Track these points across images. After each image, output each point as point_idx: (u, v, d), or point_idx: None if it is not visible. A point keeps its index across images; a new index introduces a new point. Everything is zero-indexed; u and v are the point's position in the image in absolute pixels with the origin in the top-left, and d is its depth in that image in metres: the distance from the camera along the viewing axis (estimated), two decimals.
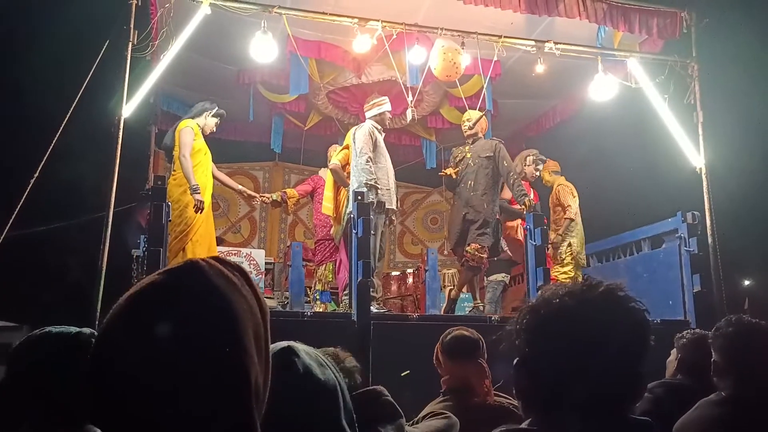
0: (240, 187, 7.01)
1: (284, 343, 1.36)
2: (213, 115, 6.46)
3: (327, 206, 6.73)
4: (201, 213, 5.90)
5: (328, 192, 6.77)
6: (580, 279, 7.13)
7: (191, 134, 6.14)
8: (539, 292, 1.34)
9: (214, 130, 6.55)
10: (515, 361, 1.32)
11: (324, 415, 1.30)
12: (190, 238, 5.99)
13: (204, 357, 0.86)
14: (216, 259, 0.96)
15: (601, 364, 1.20)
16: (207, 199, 6.11)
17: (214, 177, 6.52)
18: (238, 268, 0.96)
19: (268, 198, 7.33)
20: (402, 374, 3.41)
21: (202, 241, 6.06)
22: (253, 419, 0.89)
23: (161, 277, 0.91)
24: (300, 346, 1.36)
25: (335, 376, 1.35)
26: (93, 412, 0.88)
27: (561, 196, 7.44)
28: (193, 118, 6.39)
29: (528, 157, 7.31)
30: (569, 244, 7.28)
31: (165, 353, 0.85)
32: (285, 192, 7.36)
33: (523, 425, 1.30)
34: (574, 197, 7.47)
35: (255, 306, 0.95)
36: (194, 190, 5.88)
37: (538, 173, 7.30)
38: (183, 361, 0.85)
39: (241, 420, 0.88)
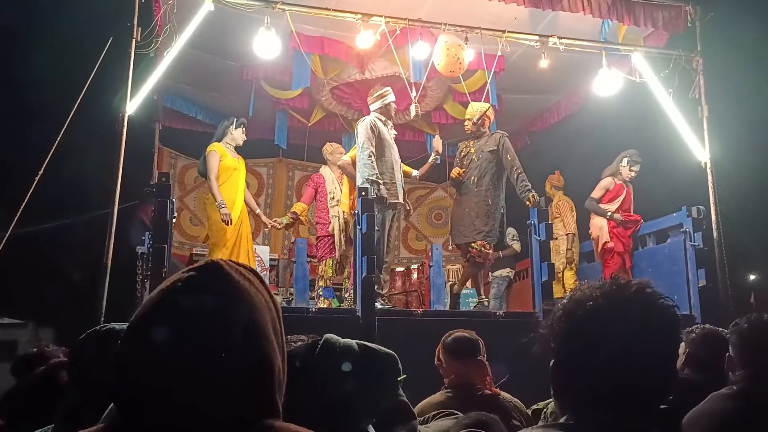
0: (258, 210, 7.33)
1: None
2: (236, 128, 6.77)
3: (344, 203, 6.88)
4: (230, 225, 6.32)
5: (345, 189, 6.89)
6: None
7: (216, 156, 6.51)
8: (570, 293, 1.37)
9: (245, 137, 6.89)
10: (551, 362, 1.35)
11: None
12: (221, 249, 6.30)
13: (231, 346, 0.94)
14: (231, 261, 1.06)
15: (635, 364, 1.24)
16: (236, 212, 6.47)
17: None
18: (250, 269, 1.06)
19: (280, 222, 7.43)
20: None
21: (225, 252, 6.32)
22: (277, 404, 0.99)
23: (186, 274, 1.00)
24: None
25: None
26: (125, 399, 0.96)
27: (562, 211, 8.06)
28: (218, 140, 6.71)
29: (624, 159, 7.42)
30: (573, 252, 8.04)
31: (193, 343, 0.93)
32: (295, 212, 7.36)
33: (561, 420, 1.34)
34: (573, 212, 8.11)
35: (270, 302, 1.05)
36: (220, 206, 6.32)
37: (633, 173, 7.41)
38: (210, 350, 0.93)
39: (267, 404, 0.97)
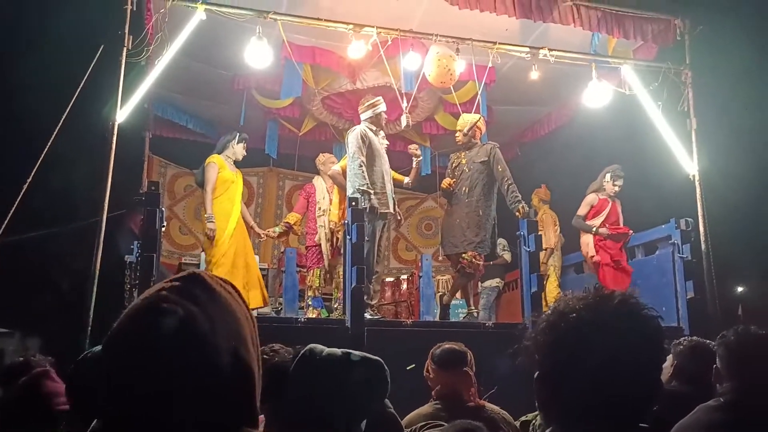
0: (252, 223, 7.33)
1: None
2: (238, 142, 6.80)
3: (333, 212, 6.82)
4: (213, 240, 6.33)
5: (335, 199, 6.84)
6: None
7: (215, 169, 6.55)
8: (553, 305, 1.35)
9: (245, 153, 6.92)
10: (535, 374, 1.33)
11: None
12: (218, 267, 6.30)
13: (217, 353, 0.95)
14: (211, 274, 1.07)
15: (620, 375, 1.23)
16: (232, 224, 6.49)
17: None
18: (229, 283, 1.07)
19: (273, 233, 7.43)
20: (408, 368, 3.49)
21: (227, 262, 6.34)
22: (256, 414, 1.00)
23: (170, 283, 1.00)
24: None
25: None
26: (112, 408, 0.94)
27: (545, 225, 8.18)
28: (219, 153, 6.74)
29: (607, 174, 7.45)
30: (554, 267, 8.25)
31: (180, 350, 0.92)
32: (288, 222, 7.35)
33: None
34: (555, 226, 8.28)
35: (248, 315, 1.05)
36: (208, 219, 6.39)
37: (617, 188, 7.44)
38: (197, 358, 0.93)
39: (247, 413, 0.98)
